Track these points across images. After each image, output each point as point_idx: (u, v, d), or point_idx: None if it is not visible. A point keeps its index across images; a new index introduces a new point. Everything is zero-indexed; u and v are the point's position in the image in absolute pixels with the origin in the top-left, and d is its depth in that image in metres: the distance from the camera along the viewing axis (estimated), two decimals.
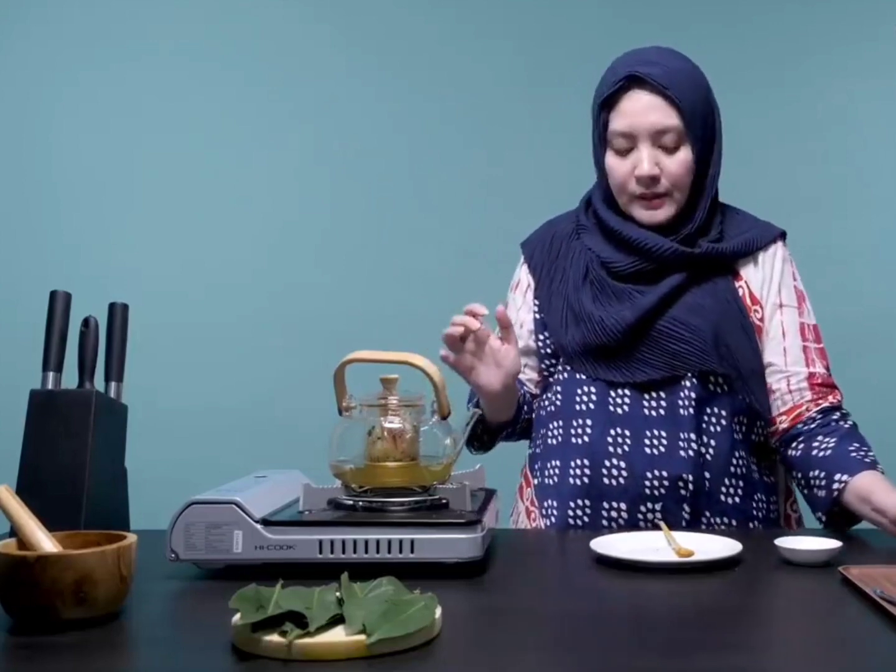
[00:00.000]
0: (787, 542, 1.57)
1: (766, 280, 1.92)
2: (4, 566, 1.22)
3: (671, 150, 1.83)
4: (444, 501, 1.59)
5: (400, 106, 3.12)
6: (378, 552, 1.46)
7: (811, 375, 1.90)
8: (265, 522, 1.49)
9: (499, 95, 3.13)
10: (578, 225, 1.98)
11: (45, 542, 1.30)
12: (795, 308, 1.94)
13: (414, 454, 1.60)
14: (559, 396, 1.93)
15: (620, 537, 1.62)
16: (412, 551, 1.46)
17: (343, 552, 1.46)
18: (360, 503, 1.58)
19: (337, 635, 1.12)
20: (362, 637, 1.11)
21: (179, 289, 3.06)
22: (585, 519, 1.84)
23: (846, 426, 1.88)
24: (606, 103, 1.84)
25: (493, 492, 1.78)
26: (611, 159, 1.86)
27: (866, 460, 1.79)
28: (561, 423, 1.90)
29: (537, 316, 1.98)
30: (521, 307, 2.01)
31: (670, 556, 1.51)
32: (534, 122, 3.11)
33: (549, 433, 1.92)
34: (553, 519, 1.88)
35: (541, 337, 1.98)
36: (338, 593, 1.20)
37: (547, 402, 1.96)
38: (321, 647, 1.10)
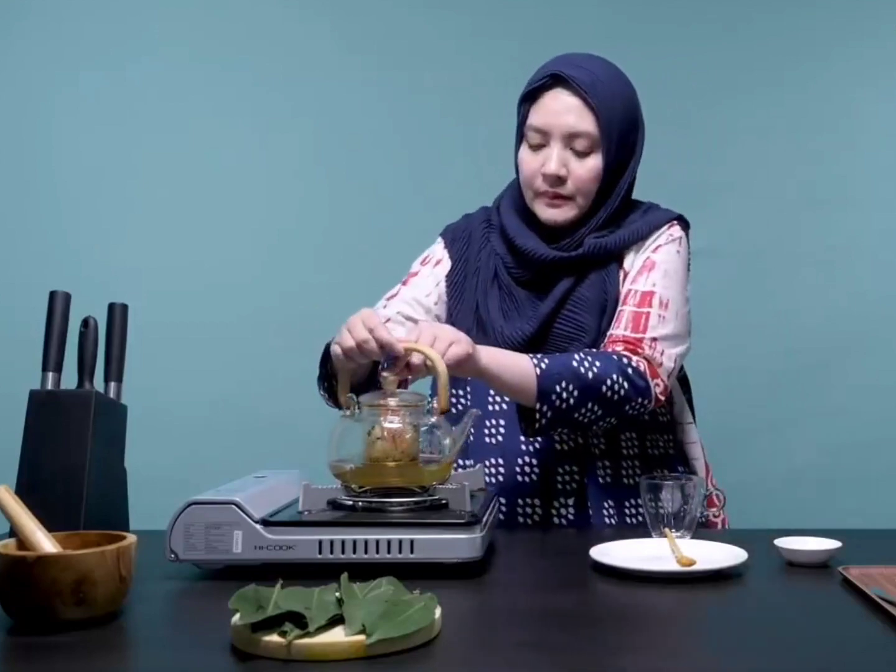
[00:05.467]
0: (787, 543, 1.58)
1: (635, 261, 1.93)
2: (4, 566, 1.22)
3: (581, 155, 1.87)
4: (443, 501, 1.59)
5: (400, 106, 3.12)
6: (378, 552, 1.46)
7: (611, 336, 1.87)
8: (265, 523, 1.49)
9: (498, 94, 3.12)
10: (490, 225, 2.04)
11: (45, 543, 1.29)
12: (633, 277, 1.91)
13: (414, 454, 1.60)
14: (469, 396, 1.95)
15: (622, 544, 1.61)
16: (412, 551, 1.46)
17: (343, 552, 1.47)
18: (360, 503, 1.58)
19: (336, 636, 1.12)
20: (362, 637, 1.10)
21: (179, 289, 3.05)
22: (501, 517, 1.87)
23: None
24: (529, 96, 1.90)
25: (493, 492, 1.78)
26: (523, 153, 1.92)
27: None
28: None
29: (445, 298, 2.03)
30: (428, 278, 2.04)
31: (671, 565, 1.50)
32: None
33: None
34: (501, 516, 1.90)
35: (442, 318, 2.01)
36: (337, 594, 1.20)
37: (454, 400, 1.95)
38: (321, 647, 1.10)
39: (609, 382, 1.75)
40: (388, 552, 1.46)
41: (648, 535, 1.70)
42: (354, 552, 1.46)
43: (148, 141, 3.07)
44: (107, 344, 1.77)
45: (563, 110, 1.84)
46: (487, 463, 1.89)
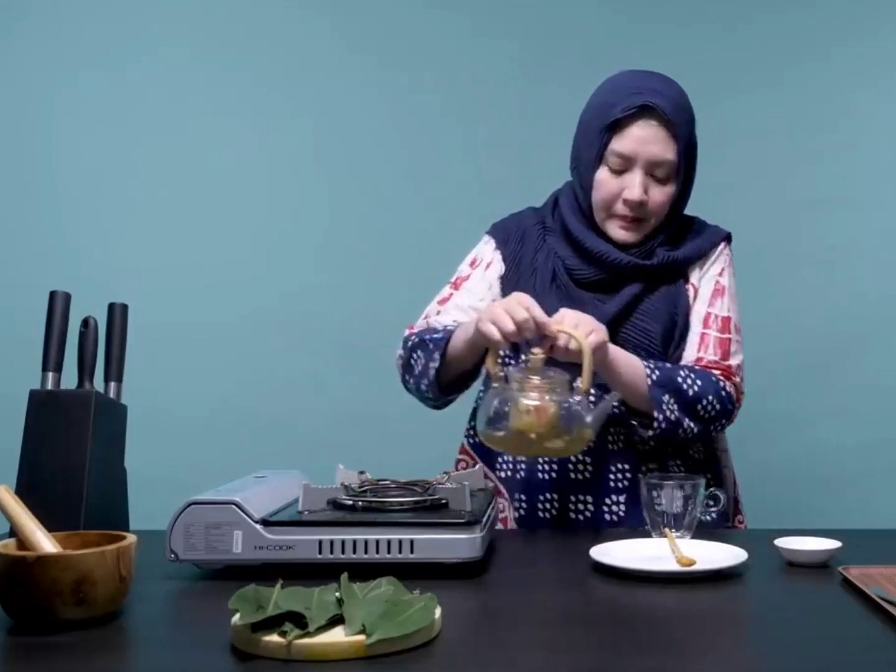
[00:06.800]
0: (787, 543, 1.58)
1: (702, 279, 2.02)
2: (4, 566, 1.22)
3: (661, 182, 1.93)
4: (443, 501, 1.59)
5: (400, 106, 3.12)
6: (378, 552, 1.46)
7: (697, 360, 1.95)
8: (265, 523, 1.49)
9: (498, 94, 3.13)
10: (545, 227, 2.05)
11: (45, 543, 1.30)
12: (707, 299, 2.00)
13: (555, 427, 1.69)
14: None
15: (622, 544, 1.61)
16: (412, 551, 1.46)
17: (343, 552, 1.47)
18: (360, 503, 1.58)
19: (336, 636, 1.12)
20: (362, 637, 1.11)
21: (179, 289, 3.05)
22: (553, 512, 1.92)
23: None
24: (615, 123, 1.90)
25: (493, 492, 1.78)
26: (604, 175, 1.93)
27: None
28: None
29: (498, 300, 1.99)
30: (481, 282, 2.05)
31: (671, 566, 1.50)
32: (533, 122, 3.11)
33: None
34: (522, 511, 1.94)
35: None
36: (337, 593, 1.20)
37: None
38: (321, 647, 1.10)
39: (704, 402, 1.87)
40: (388, 552, 1.46)
41: (648, 535, 1.70)
42: (354, 552, 1.47)
43: (148, 141, 3.07)
44: (107, 344, 1.77)
45: (649, 140, 1.88)
46: (541, 459, 1.93)
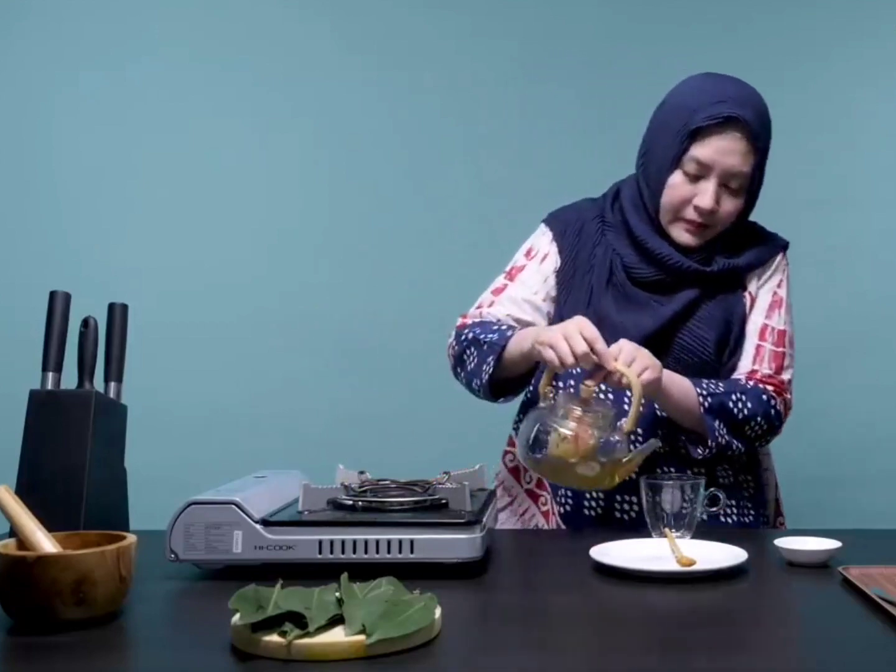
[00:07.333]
0: (787, 543, 1.58)
1: (760, 289, 2.01)
2: (4, 566, 1.22)
3: (733, 193, 1.92)
4: (443, 501, 1.59)
5: (400, 106, 3.12)
6: (378, 552, 1.46)
7: (752, 372, 1.95)
8: (265, 523, 1.49)
9: (498, 94, 3.12)
10: (604, 221, 2.03)
11: (45, 543, 1.30)
12: (765, 310, 2.00)
13: (591, 459, 1.72)
14: (571, 389, 1.94)
15: (622, 544, 1.61)
16: (412, 551, 1.46)
17: (343, 552, 1.47)
18: (360, 503, 1.58)
19: (337, 636, 1.12)
20: (362, 637, 1.11)
21: (179, 289, 3.05)
22: (599, 510, 1.92)
23: (747, 383, 1.93)
24: (696, 131, 1.87)
25: (492, 492, 1.78)
26: (677, 179, 1.91)
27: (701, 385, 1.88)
28: None
29: (552, 294, 2.03)
30: (536, 274, 2.04)
31: (671, 566, 1.50)
32: (533, 121, 3.11)
33: None
34: (568, 507, 1.94)
35: (551, 314, 2.03)
36: (337, 593, 1.20)
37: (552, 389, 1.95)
38: (321, 647, 1.10)
39: (752, 424, 1.89)
40: (388, 552, 1.46)
41: (649, 535, 1.70)
42: (354, 552, 1.47)
43: (148, 141, 3.07)
44: (107, 344, 1.77)
45: (730, 151, 1.87)
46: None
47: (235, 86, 3.09)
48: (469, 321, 2.02)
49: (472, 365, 1.95)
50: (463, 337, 1.98)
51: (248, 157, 3.10)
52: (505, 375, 1.94)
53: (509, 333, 1.91)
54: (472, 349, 1.95)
